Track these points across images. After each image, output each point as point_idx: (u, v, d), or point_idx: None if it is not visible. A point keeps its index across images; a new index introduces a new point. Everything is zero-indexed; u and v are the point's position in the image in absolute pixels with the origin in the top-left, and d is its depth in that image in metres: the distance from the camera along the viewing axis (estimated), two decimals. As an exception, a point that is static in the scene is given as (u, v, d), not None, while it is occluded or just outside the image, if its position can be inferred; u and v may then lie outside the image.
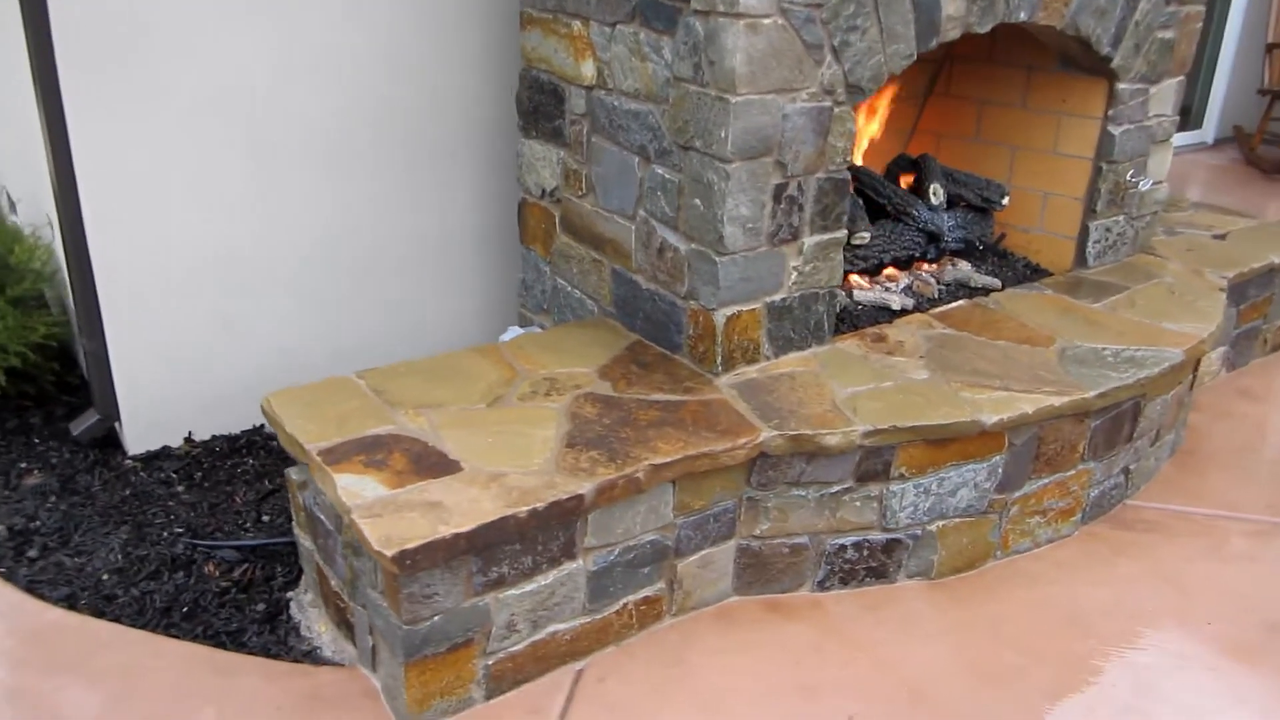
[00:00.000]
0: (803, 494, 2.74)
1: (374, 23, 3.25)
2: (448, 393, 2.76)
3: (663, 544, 2.63)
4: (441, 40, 3.38)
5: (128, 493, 3.23)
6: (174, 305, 3.25)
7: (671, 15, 2.75)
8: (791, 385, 2.86)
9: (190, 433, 3.42)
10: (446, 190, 3.54)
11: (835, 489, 2.75)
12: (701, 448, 2.56)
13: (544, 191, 3.35)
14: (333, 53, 3.22)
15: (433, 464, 2.47)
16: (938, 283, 3.51)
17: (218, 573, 2.93)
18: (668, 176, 2.87)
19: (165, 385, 3.33)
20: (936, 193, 3.51)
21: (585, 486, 2.40)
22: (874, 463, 2.74)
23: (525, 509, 2.33)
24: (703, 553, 2.72)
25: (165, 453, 3.40)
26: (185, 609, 2.80)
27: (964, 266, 3.63)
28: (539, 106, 3.30)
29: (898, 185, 3.64)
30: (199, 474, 3.31)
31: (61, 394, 3.70)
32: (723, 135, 2.67)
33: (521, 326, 3.48)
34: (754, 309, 2.88)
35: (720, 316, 2.82)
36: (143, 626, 2.74)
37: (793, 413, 2.72)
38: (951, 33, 3.00)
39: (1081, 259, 3.70)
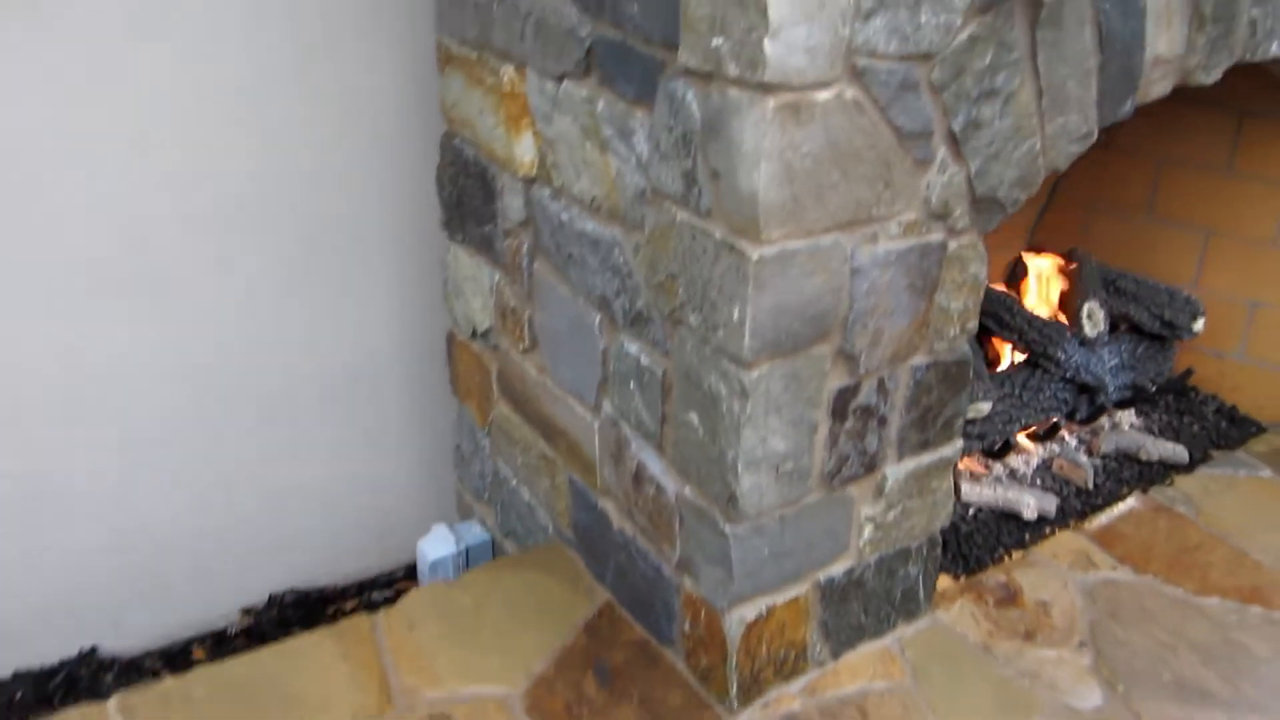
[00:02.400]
0: None
1: (235, 66, 1.86)
2: (253, 750, 1.42)
3: None
4: (347, 87, 1.99)
5: None
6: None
7: (647, 74, 1.33)
8: (862, 728, 1.47)
9: (-15, 661, 2.14)
10: (355, 305, 2.16)
11: None
12: None
13: (475, 331, 1.97)
14: (169, 113, 1.85)
15: None
16: (1091, 455, 2.07)
17: None
18: (645, 362, 1.47)
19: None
20: (1093, 315, 2.05)
21: None
22: None
23: None
24: None
25: (-58, 695, 2.12)
26: None
27: (1129, 425, 2.16)
28: (464, 197, 1.91)
29: (1026, 303, 2.18)
30: (-18, 735, 2.04)
31: None
32: (735, 316, 1.26)
33: (453, 525, 2.12)
34: (796, 597, 1.49)
35: (734, 621, 1.43)
36: None
37: (864, 821, 1.33)
38: (1159, 85, 1.53)
39: (1309, 404, 2.22)
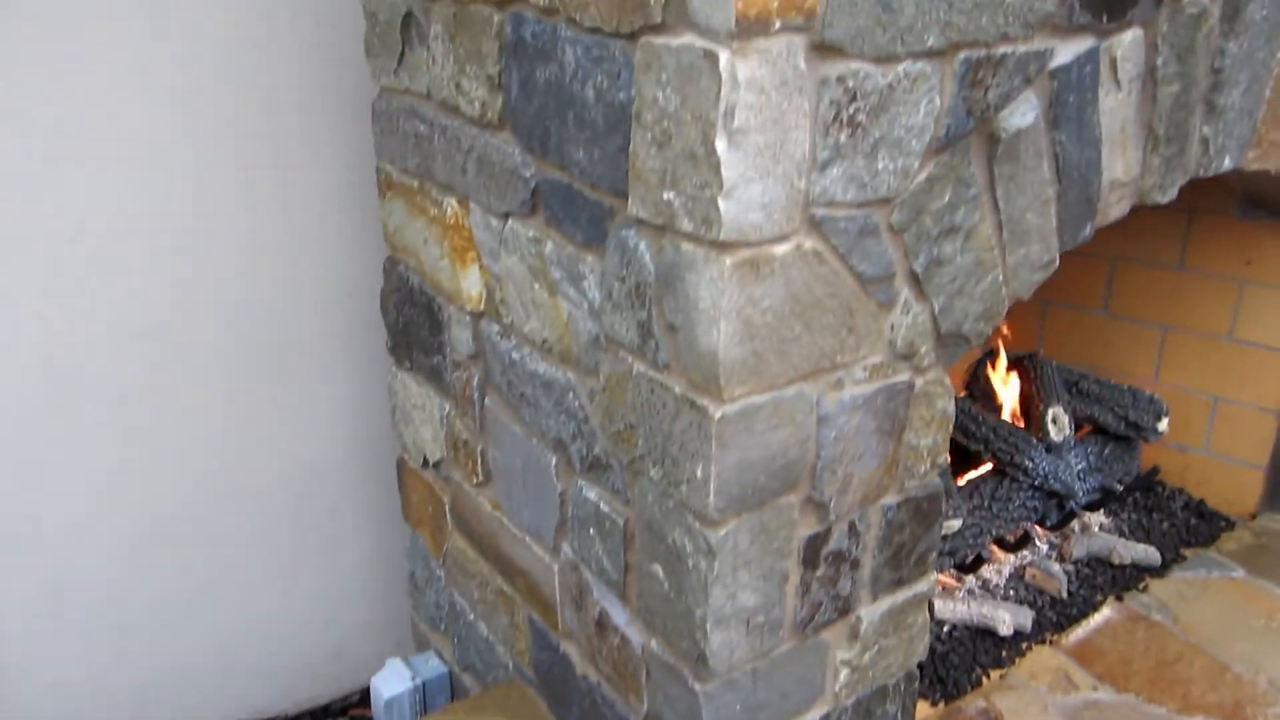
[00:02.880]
0: None
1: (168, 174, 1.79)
2: None
3: None
4: (293, 204, 1.92)
5: None
6: None
7: (596, 220, 1.27)
8: None
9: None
10: (304, 427, 2.07)
11: None
12: None
13: (426, 461, 1.89)
14: (100, 231, 1.77)
15: None
16: (1063, 562, 2.02)
17: None
18: (605, 509, 1.40)
19: None
20: (1058, 420, 2.01)
21: None
22: None
23: None
24: None
25: None
26: None
27: (1098, 527, 2.12)
28: (410, 325, 1.84)
29: (991, 409, 2.14)
30: None
31: None
32: (699, 473, 1.19)
33: (408, 658, 2.02)
34: (772, 749, 1.41)
35: (708, 784, 1.35)
36: None
37: None
38: (1117, 208, 1.51)
39: (1275, 498, 2.19)
